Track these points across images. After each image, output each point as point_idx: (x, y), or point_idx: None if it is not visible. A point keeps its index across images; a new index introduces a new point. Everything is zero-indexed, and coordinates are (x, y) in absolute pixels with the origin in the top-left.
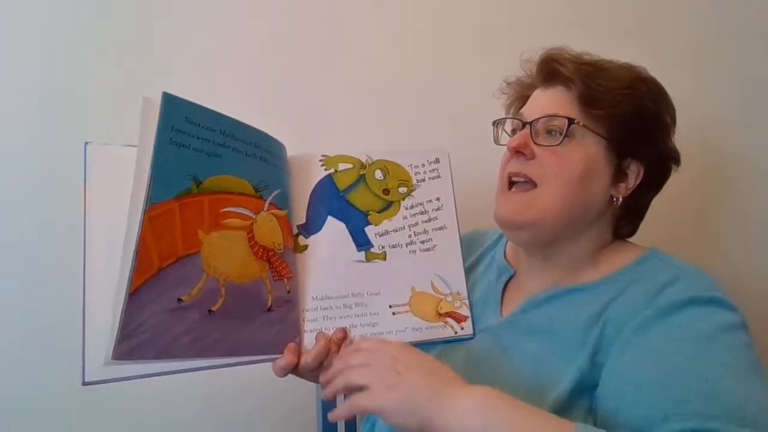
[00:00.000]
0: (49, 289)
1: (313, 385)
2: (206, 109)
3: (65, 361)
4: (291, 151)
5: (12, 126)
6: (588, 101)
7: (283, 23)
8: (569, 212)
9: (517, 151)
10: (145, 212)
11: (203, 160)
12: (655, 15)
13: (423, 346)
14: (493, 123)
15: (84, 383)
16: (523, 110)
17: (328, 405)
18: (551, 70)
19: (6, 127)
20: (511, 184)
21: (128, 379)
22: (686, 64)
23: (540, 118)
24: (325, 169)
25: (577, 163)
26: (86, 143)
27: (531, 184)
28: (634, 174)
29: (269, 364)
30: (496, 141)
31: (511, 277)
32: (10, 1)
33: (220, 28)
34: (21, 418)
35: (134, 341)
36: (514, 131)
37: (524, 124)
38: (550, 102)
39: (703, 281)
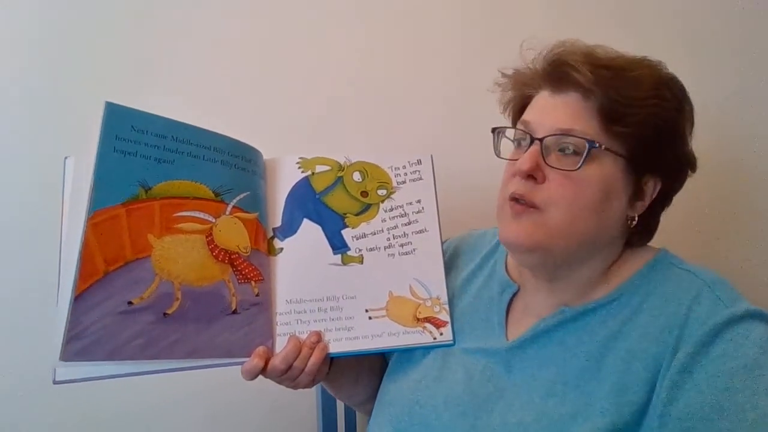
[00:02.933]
0: (26, 288)
1: (314, 388)
2: (156, 116)
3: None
4: (274, 155)
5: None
6: (611, 117)
7: (269, 26)
8: (580, 238)
9: (529, 175)
10: (88, 219)
11: (152, 166)
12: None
13: (405, 351)
14: (493, 131)
15: (55, 382)
16: (528, 117)
17: (328, 407)
18: (563, 75)
19: None
20: (515, 201)
21: (99, 379)
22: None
23: (552, 135)
24: (302, 172)
25: (595, 189)
26: (66, 158)
27: (536, 208)
28: (651, 190)
29: None
30: (497, 152)
31: (514, 294)
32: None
33: (208, 33)
34: None
35: (81, 343)
36: (518, 142)
37: (533, 140)
38: (563, 114)
39: (725, 291)
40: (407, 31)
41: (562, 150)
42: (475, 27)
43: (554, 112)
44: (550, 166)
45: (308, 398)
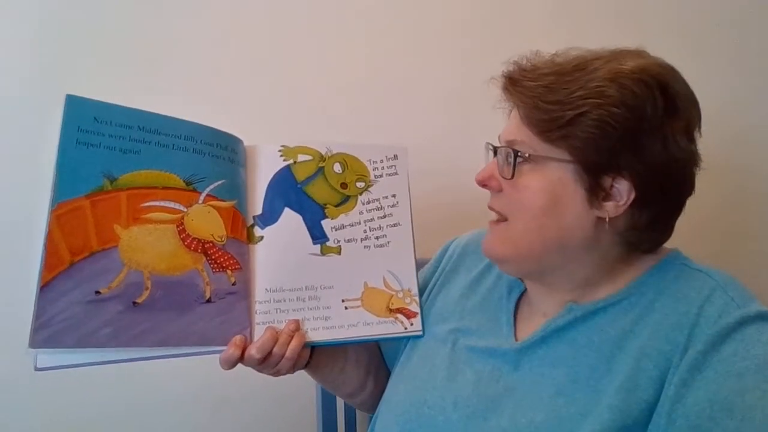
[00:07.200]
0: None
1: (313, 386)
2: (120, 107)
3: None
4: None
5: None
6: (537, 126)
7: (264, 20)
8: (542, 244)
9: (483, 185)
10: (52, 211)
11: (117, 157)
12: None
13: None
14: (486, 146)
15: (36, 369)
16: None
17: (328, 406)
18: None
19: None
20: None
21: (79, 366)
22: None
23: (501, 146)
24: (284, 160)
25: (538, 194)
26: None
27: (503, 217)
28: (625, 190)
29: None
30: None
31: (522, 293)
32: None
33: (204, 26)
34: None
35: (49, 331)
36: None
37: (495, 152)
38: (511, 126)
39: (738, 291)
40: (407, 29)
41: (507, 162)
42: (475, 26)
43: (508, 125)
44: (502, 176)
45: (308, 391)
